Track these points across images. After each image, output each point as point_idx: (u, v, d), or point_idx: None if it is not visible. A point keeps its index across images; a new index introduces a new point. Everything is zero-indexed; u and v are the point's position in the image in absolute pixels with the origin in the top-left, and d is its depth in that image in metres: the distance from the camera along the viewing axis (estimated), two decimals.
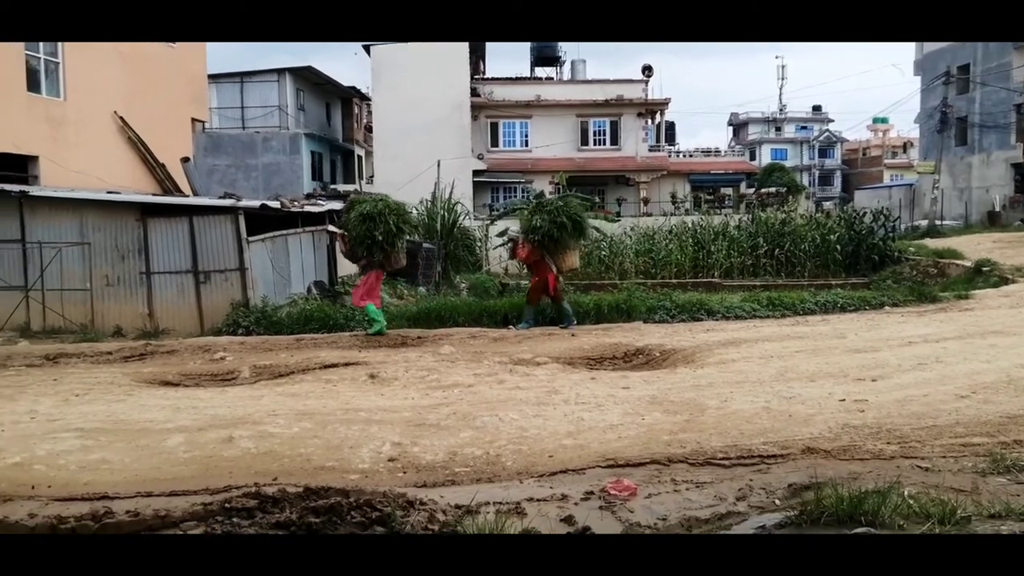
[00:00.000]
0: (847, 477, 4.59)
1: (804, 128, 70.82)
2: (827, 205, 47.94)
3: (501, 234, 22.13)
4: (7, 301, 12.13)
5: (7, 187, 13.06)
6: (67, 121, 17.69)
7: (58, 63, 17.56)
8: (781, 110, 72.09)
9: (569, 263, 12.05)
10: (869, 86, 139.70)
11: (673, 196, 38.40)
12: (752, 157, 62.53)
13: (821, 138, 69.29)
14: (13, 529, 4.06)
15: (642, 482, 4.72)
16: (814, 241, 20.60)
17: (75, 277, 12.28)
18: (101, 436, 5.82)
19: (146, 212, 12.63)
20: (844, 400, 6.65)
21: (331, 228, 11.29)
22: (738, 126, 73.54)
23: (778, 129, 70.99)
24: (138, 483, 4.83)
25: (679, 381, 7.83)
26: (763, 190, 41.21)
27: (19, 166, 16.62)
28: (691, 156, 49.36)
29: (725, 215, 26.66)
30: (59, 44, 17.42)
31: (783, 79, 71.93)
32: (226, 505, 4.17)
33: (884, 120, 68.69)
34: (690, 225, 22.81)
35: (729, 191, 45.78)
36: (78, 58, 17.86)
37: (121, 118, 19.32)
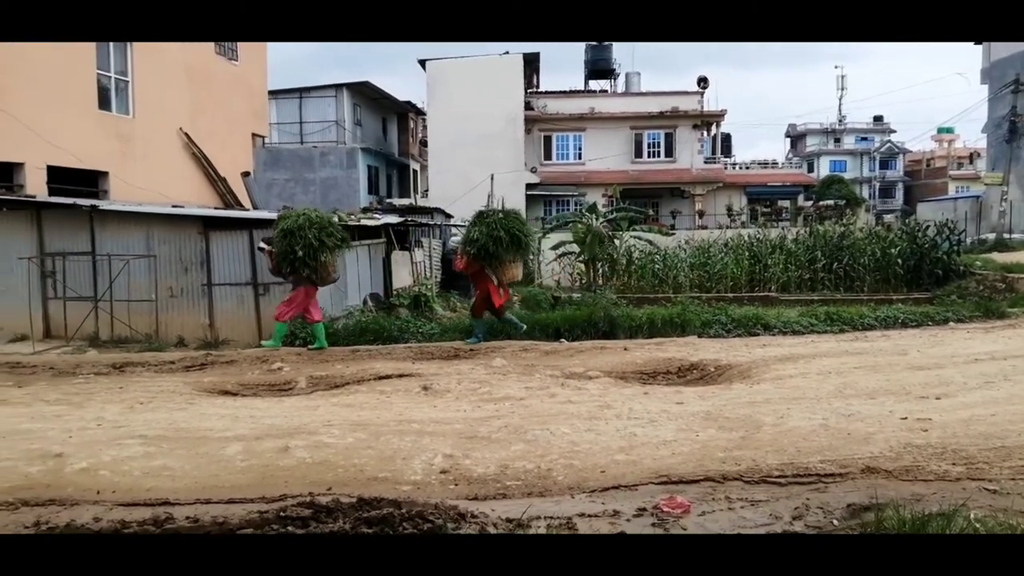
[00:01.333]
0: (910, 499, 4.46)
1: (864, 139, 69.26)
2: (888, 218, 46.76)
3: (555, 247, 22.17)
4: (78, 311, 12.58)
5: (80, 202, 13.57)
6: (135, 137, 18.33)
7: (128, 81, 18.23)
8: (840, 121, 70.65)
9: (510, 275, 11.81)
10: (933, 95, 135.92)
11: (729, 209, 37.92)
12: (810, 169, 61.41)
13: (882, 149, 67.64)
14: (79, 533, 4.20)
15: (695, 499, 4.66)
16: (874, 255, 20.08)
17: (141, 288, 12.67)
18: (163, 443, 5.98)
19: (208, 225, 12.98)
20: (906, 418, 6.46)
21: (261, 243, 11.22)
22: (796, 137, 72.33)
23: (837, 140, 69.57)
24: (198, 490, 4.95)
25: (734, 397, 7.70)
26: (821, 203, 40.40)
27: (90, 181, 17.28)
28: (747, 168, 48.67)
29: (782, 228, 26.20)
30: (129, 63, 18.09)
31: (843, 89, 70.43)
32: (281, 514, 4.24)
33: (949, 130, 66.77)
34: (746, 238, 22.46)
35: (786, 204, 45.00)
36: (146, 76, 18.52)
37: (186, 134, 19.94)
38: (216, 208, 18.50)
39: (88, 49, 16.74)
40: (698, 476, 5.10)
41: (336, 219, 10.97)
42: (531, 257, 12.57)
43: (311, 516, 4.19)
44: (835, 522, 4.33)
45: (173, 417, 7.03)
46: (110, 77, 17.83)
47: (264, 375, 9.61)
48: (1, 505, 4.63)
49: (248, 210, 19.28)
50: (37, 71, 15.22)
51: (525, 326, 11.94)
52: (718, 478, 5.06)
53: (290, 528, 4.08)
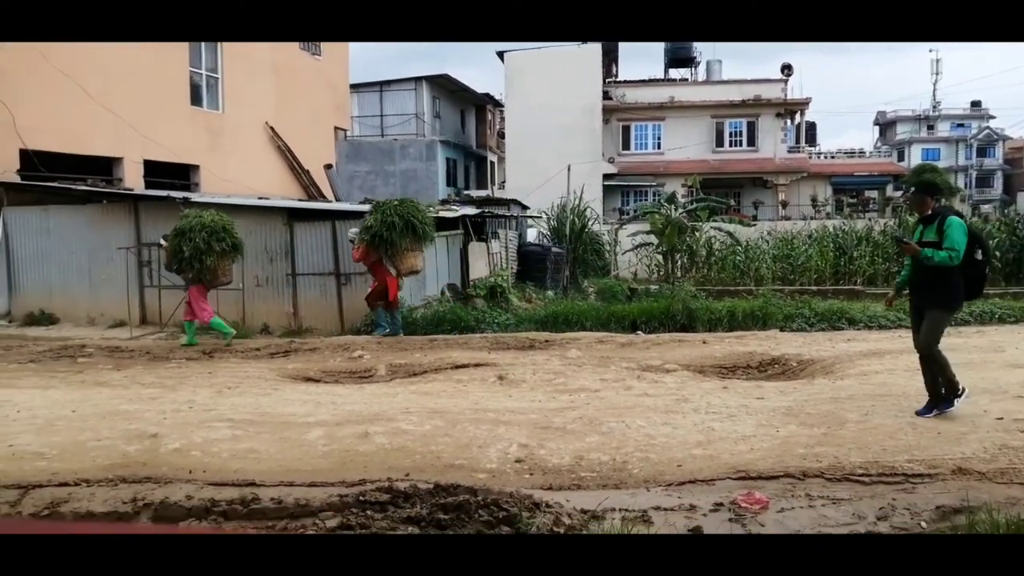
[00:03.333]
0: (1004, 502, 4.27)
1: (960, 126, 66.04)
2: (986, 208, 44.57)
3: (633, 236, 21.97)
4: (171, 299, 13.13)
5: (173, 194, 14.16)
6: (224, 132, 19.01)
7: (218, 78, 18.91)
8: (935, 107, 67.58)
9: (408, 264, 11.54)
10: None
11: (813, 199, 36.82)
12: (900, 158, 58.96)
13: (980, 136, 64.39)
14: (172, 510, 4.41)
15: (774, 496, 4.57)
16: None
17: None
18: (249, 427, 6.21)
19: (292, 217, 13.35)
20: (1002, 419, 6.17)
21: (162, 239, 11.29)
22: (885, 125, 69.57)
23: (931, 127, 66.58)
24: (281, 472, 5.13)
25: (817, 392, 7.51)
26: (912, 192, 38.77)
27: (183, 174, 18.02)
28: (833, 157, 47.11)
29: (869, 219, 25.31)
30: (219, 60, 18.75)
31: (937, 74, 67.36)
32: (361, 498, 4.36)
33: None
34: (831, 229, 21.78)
35: (874, 194, 43.40)
36: (235, 73, 19.16)
37: (271, 128, 20.56)
38: (300, 200, 19.03)
39: (181, 48, 17.43)
40: (777, 472, 5.00)
41: (209, 224, 10.88)
42: (430, 244, 12.14)
43: (389, 501, 4.29)
44: (923, 524, 4.18)
45: (259, 402, 7.29)
46: (201, 74, 18.53)
47: (345, 363, 9.85)
48: (102, 482, 4.90)
49: (331, 202, 19.75)
50: (134, 71, 15.94)
51: (402, 333, 11.63)
52: (798, 475, 4.95)
53: (369, 512, 4.19)
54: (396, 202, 11.61)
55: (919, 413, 6.33)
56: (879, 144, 65.13)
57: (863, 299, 15.53)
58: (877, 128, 71.10)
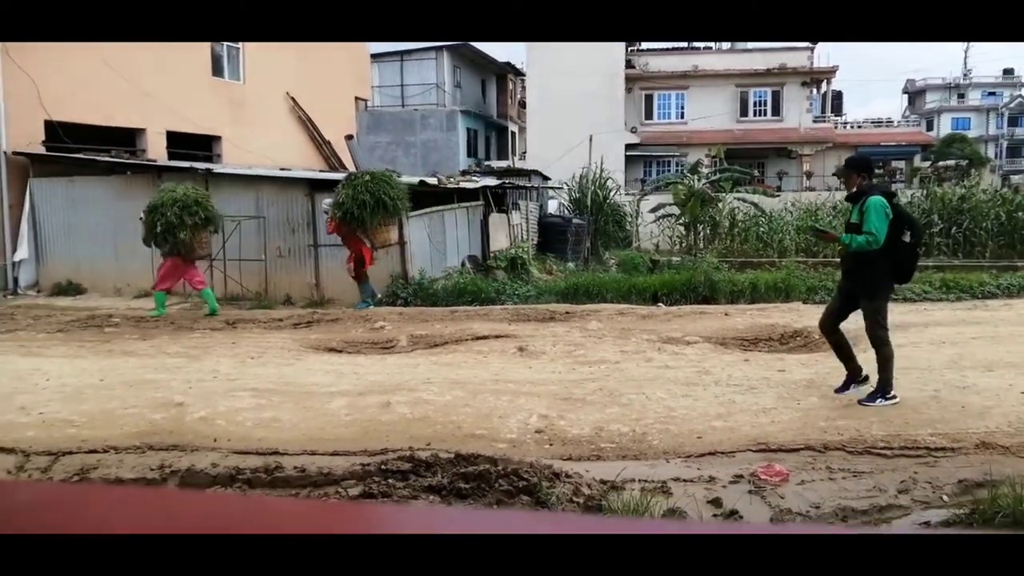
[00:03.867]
0: None
1: (992, 95, 64.56)
2: (1016, 179, 43.70)
3: (654, 209, 21.82)
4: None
5: (195, 165, 14.24)
6: (246, 103, 19.03)
7: (239, 49, 18.89)
8: (965, 75, 66.08)
9: (382, 238, 11.53)
10: None
11: (838, 170, 36.29)
12: (929, 128, 57.84)
13: (1012, 105, 62.94)
14: (198, 478, 4.49)
15: (795, 468, 4.57)
16: (999, 219, 18.89)
17: (252, 249, 13.23)
18: (273, 396, 6.29)
19: (314, 188, 13.37)
20: None
21: (141, 214, 11.32)
22: (914, 94, 68.17)
23: (961, 96, 65.17)
24: (304, 441, 5.20)
25: (839, 365, 7.44)
26: (940, 163, 38.11)
27: (205, 145, 18.09)
28: (860, 127, 46.32)
29: (896, 190, 24.94)
30: None
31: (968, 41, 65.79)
32: (383, 467, 4.41)
33: None
34: None
35: (901, 164, 42.69)
36: (256, 43, 19.11)
37: (292, 98, 20.54)
38: (321, 171, 19.06)
39: None
40: (798, 445, 5.00)
41: (182, 198, 10.96)
42: (404, 219, 12.07)
43: (411, 470, 4.34)
44: (944, 498, 4.17)
45: (282, 372, 7.37)
46: (223, 45, 18.51)
47: (367, 333, 9.93)
48: (130, 449, 5.00)
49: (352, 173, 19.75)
50: (156, 43, 15.93)
51: (371, 304, 11.62)
52: (819, 447, 4.94)
53: (391, 480, 4.24)
54: (368, 177, 11.50)
55: (837, 391, 6.17)
56: (907, 113, 63.91)
57: None
58: (906, 97, 69.70)
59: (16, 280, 13.90)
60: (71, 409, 5.94)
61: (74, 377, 7.06)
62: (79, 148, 14.30)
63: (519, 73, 39.77)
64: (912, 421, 5.47)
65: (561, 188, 23.64)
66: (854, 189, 5.99)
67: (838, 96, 43.04)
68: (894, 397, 5.93)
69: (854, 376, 6.16)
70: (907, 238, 5.79)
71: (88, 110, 14.83)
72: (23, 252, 13.89)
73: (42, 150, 14.10)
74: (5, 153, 13.58)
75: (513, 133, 41.91)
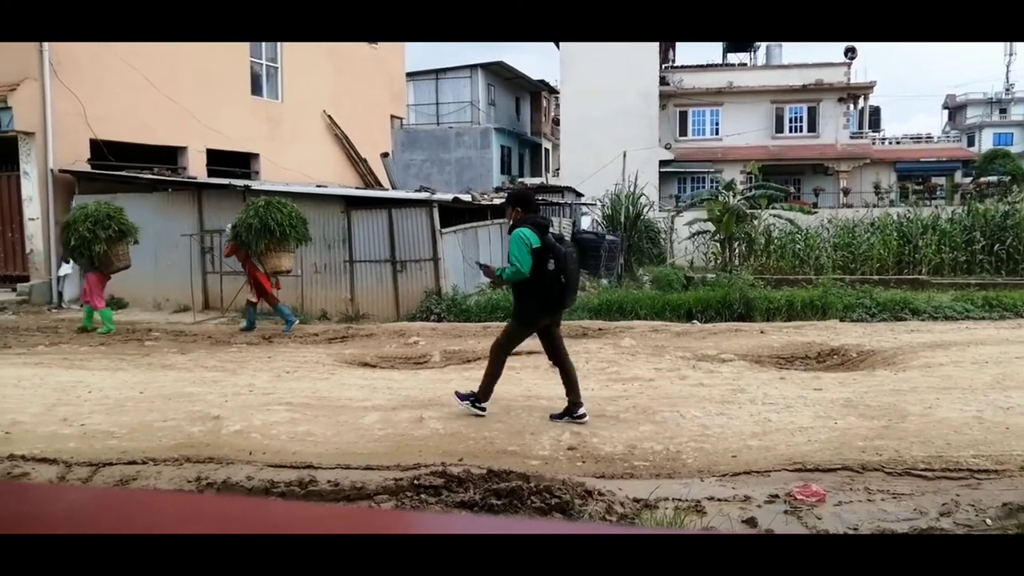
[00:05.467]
0: None
1: None
2: None
3: (689, 225, 21.70)
4: (232, 285, 13.47)
5: (234, 182, 14.50)
6: (283, 120, 19.35)
7: (277, 68, 19.24)
8: (1008, 89, 64.81)
9: (272, 264, 11.35)
10: None
11: (876, 186, 35.78)
12: (970, 143, 56.80)
13: None
14: (233, 491, 4.54)
15: (832, 489, 4.49)
16: None
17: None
18: (307, 410, 6.35)
19: (350, 204, 13.54)
20: None
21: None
22: (954, 109, 67.05)
23: (1003, 111, 63.95)
24: (338, 456, 5.23)
25: (877, 384, 7.33)
26: (982, 179, 37.37)
27: (243, 162, 18.42)
28: (898, 143, 45.62)
29: (936, 207, 24.50)
30: (279, 50, 19.07)
31: (1011, 55, 64.53)
32: (415, 482, 4.42)
33: None
34: (895, 217, 21.16)
35: (941, 181, 41.95)
36: (294, 62, 19.47)
37: (329, 116, 20.84)
38: (357, 188, 19.28)
39: None
40: (835, 465, 4.91)
41: (93, 214, 11.05)
42: (304, 245, 11.95)
43: (443, 485, 4.34)
44: (988, 521, 4.07)
45: (316, 386, 7.44)
46: (261, 64, 18.88)
47: (401, 348, 9.98)
48: (168, 461, 5.08)
49: (387, 190, 19.97)
50: (197, 62, 16.32)
51: (293, 323, 11.47)
52: (857, 468, 4.85)
53: (424, 496, 4.25)
54: (262, 203, 11.46)
55: (553, 417, 6.08)
56: (948, 129, 62.83)
57: (928, 289, 15.08)
58: (946, 112, 68.61)
59: (61, 295, 14.24)
60: (112, 421, 6.05)
61: (115, 389, 7.20)
62: (122, 166, 14.65)
63: (553, 90, 39.94)
64: (954, 442, 5.35)
65: (594, 204, 23.62)
66: (511, 221, 6.21)
67: (876, 111, 42.59)
68: (483, 410, 6.15)
69: (572, 410, 6.08)
70: (550, 266, 5.92)
71: (131, 129, 15.19)
72: (68, 267, 14.23)
73: (87, 168, 14.46)
74: (52, 171, 13.95)
75: (547, 150, 42.05)
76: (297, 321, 11.67)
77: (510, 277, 5.99)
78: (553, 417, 6.09)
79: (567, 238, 6.77)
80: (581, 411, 6.04)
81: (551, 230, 6.24)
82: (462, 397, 6.27)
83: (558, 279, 5.97)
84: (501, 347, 6.28)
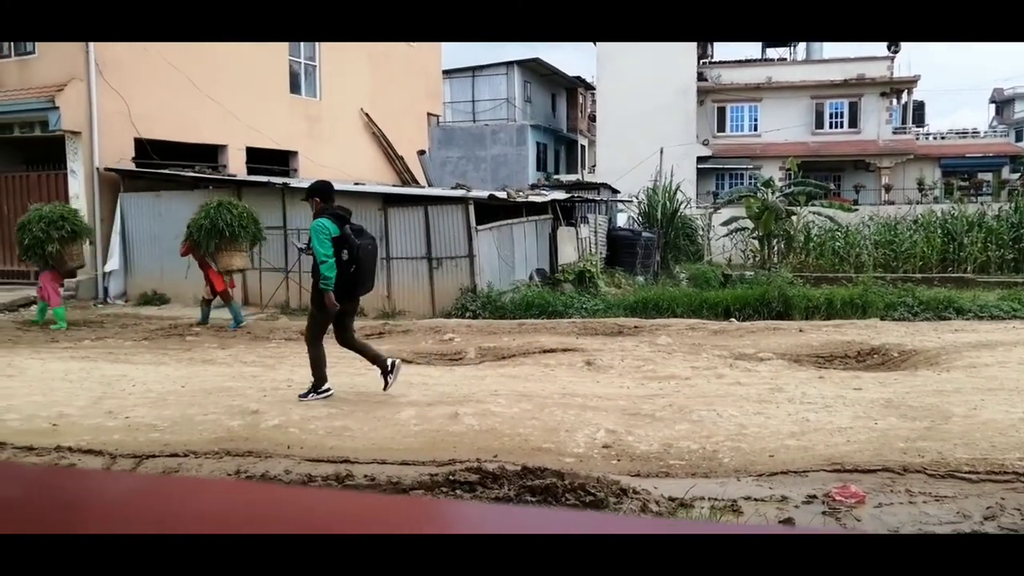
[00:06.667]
0: None
1: None
2: None
3: (726, 223, 21.49)
4: (271, 281, 13.68)
5: (273, 180, 14.70)
6: (321, 118, 19.55)
7: (315, 66, 19.44)
8: None
9: (224, 263, 11.45)
10: None
11: (920, 183, 35.07)
12: (1018, 138, 55.35)
13: None
14: (272, 483, 4.61)
15: (871, 490, 4.42)
16: None
17: None
18: (344, 406, 6.42)
19: (387, 202, 13.65)
20: None
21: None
22: (1002, 103, 65.37)
23: None
24: (374, 451, 5.28)
25: (920, 384, 7.20)
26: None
27: (282, 160, 18.66)
28: (943, 138, 44.66)
29: (982, 203, 23.97)
30: (317, 49, 19.27)
31: None
32: (450, 477, 4.45)
33: None
34: (939, 214, 20.75)
35: (988, 177, 40.96)
36: (332, 60, 19.66)
37: (366, 114, 21.01)
38: (394, 185, 19.41)
39: None
40: (875, 466, 4.83)
41: (48, 215, 11.25)
42: (259, 245, 11.95)
43: (478, 481, 4.36)
44: None
45: (353, 381, 7.51)
46: (300, 63, 19.09)
47: (436, 345, 10.04)
48: (208, 454, 5.18)
49: (424, 187, 20.08)
50: (237, 61, 16.56)
51: (237, 326, 11.48)
52: (898, 469, 4.77)
53: (458, 491, 4.28)
54: (214, 204, 11.66)
55: (301, 396, 6.54)
56: (995, 123, 61.34)
57: (973, 288, 14.76)
58: (992, 106, 66.97)
59: (106, 290, 14.57)
60: (154, 414, 6.19)
61: (158, 383, 7.35)
62: (165, 164, 14.93)
63: (589, 87, 39.80)
64: (1000, 444, 5.23)
65: (631, 201, 23.50)
66: (314, 213, 6.59)
67: (920, 106, 41.70)
68: (328, 391, 6.59)
69: (384, 369, 6.68)
70: (344, 256, 6.32)
71: (174, 128, 15.47)
72: (113, 263, 14.55)
73: (131, 166, 14.78)
74: (98, 169, 14.27)
75: (583, 146, 41.91)
76: (245, 323, 11.77)
77: (330, 279, 6.37)
78: (386, 387, 6.66)
79: (367, 230, 7.15)
80: (392, 362, 6.67)
81: (351, 221, 6.68)
82: (304, 396, 6.56)
83: (350, 269, 6.37)
84: (313, 336, 6.66)
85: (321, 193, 6.68)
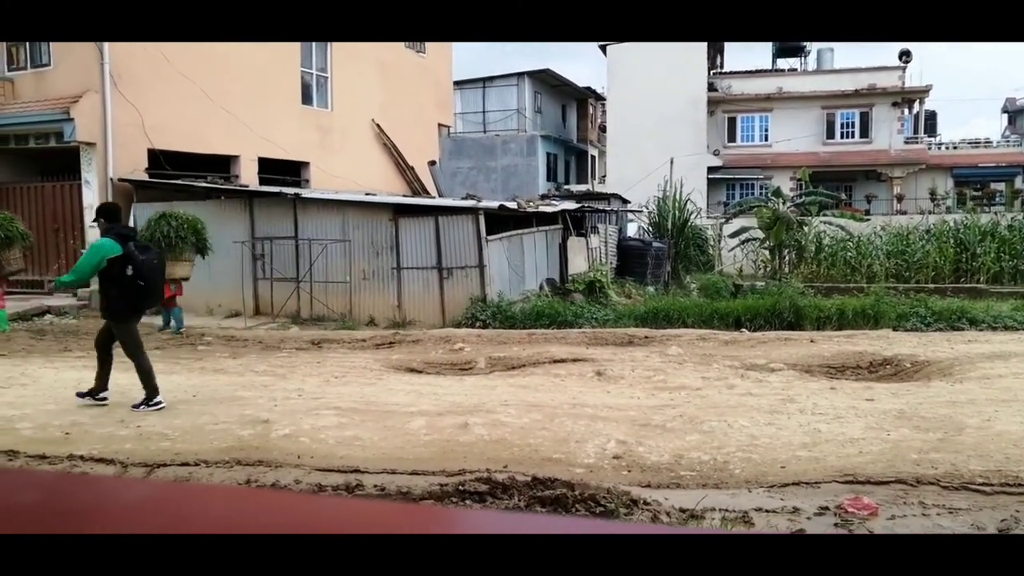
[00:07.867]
0: None
1: None
2: None
3: (737, 233, 21.43)
4: (283, 291, 13.73)
5: (284, 190, 14.77)
6: (333, 129, 19.65)
7: (327, 77, 19.56)
8: None
9: (168, 272, 11.42)
10: None
11: (932, 192, 34.89)
12: None
13: None
14: (283, 490, 4.62)
15: (884, 502, 4.39)
16: None
17: (337, 271, 13.61)
18: (355, 415, 6.43)
19: (397, 212, 13.69)
20: None
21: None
22: (1014, 113, 64.95)
23: None
24: (384, 460, 5.28)
25: (932, 395, 7.15)
26: None
27: (294, 171, 18.75)
28: (955, 148, 44.40)
29: (995, 213, 23.82)
30: (329, 59, 19.39)
31: None
32: (460, 487, 4.44)
33: None
34: (952, 224, 20.63)
35: (1001, 186, 40.71)
36: (343, 71, 19.77)
37: (377, 125, 21.10)
38: (405, 195, 19.47)
39: (293, 49, 18.12)
40: (888, 478, 4.80)
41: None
42: (204, 256, 11.97)
43: (488, 492, 4.36)
44: None
45: (364, 391, 7.53)
46: (312, 74, 19.21)
47: (447, 354, 10.04)
48: (219, 463, 5.19)
49: (434, 198, 20.13)
50: (249, 72, 16.68)
51: (176, 330, 11.71)
52: (911, 481, 4.73)
53: (468, 501, 4.27)
54: (155, 216, 11.74)
55: (134, 407, 6.69)
56: (1007, 133, 61.00)
57: (986, 298, 14.66)
58: (1005, 116, 66.62)
59: None
60: (166, 423, 6.21)
61: (169, 392, 7.37)
62: (178, 175, 15.04)
63: (599, 97, 39.85)
64: (1013, 456, 5.18)
65: (641, 211, 23.48)
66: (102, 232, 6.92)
67: (932, 116, 41.55)
68: (160, 403, 6.72)
69: (94, 392, 6.85)
70: (129, 272, 6.59)
71: (187, 138, 15.59)
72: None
73: (145, 177, 14.88)
74: (112, 180, 14.38)
75: (593, 157, 41.93)
76: (183, 330, 11.85)
77: (64, 283, 7.06)
78: (80, 395, 6.85)
79: (153, 247, 7.71)
80: (102, 396, 6.83)
81: (136, 238, 7.06)
82: (138, 407, 6.69)
83: (135, 284, 6.65)
84: (132, 349, 6.86)
85: (108, 214, 7.03)
